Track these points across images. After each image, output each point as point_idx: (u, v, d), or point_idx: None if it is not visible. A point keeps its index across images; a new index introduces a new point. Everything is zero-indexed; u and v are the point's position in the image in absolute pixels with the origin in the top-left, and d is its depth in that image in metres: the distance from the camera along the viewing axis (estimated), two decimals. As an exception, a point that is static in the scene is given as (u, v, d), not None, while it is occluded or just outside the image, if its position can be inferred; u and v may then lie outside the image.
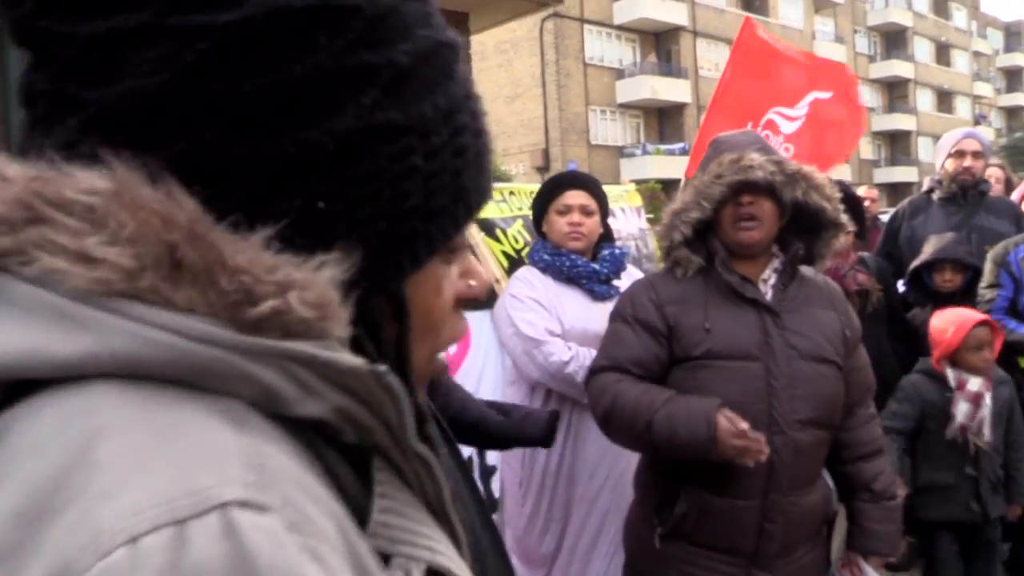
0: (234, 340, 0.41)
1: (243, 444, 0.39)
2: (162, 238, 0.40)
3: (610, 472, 2.53)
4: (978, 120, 52.19)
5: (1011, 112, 56.13)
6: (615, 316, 2.10)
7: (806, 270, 2.07)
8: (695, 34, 32.92)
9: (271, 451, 0.40)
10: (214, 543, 0.34)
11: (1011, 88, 57.74)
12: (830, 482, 2.12)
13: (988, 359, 2.96)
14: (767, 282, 2.00)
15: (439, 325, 0.59)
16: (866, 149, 44.37)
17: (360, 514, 0.46)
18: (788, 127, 4.60)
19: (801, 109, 4.63)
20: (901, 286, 3.80)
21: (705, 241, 2.00)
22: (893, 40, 46.92)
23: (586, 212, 2.58)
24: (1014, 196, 4.42)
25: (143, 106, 0.44)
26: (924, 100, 47.68)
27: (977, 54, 53.95)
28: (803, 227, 2.01)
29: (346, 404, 0.44)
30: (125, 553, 0.33)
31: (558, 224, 2.57)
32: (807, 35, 39.05)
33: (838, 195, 2.00)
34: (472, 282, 0.62)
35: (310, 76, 0.46)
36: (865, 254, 3.69)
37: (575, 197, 2.57)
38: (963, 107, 51.29)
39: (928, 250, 3.56)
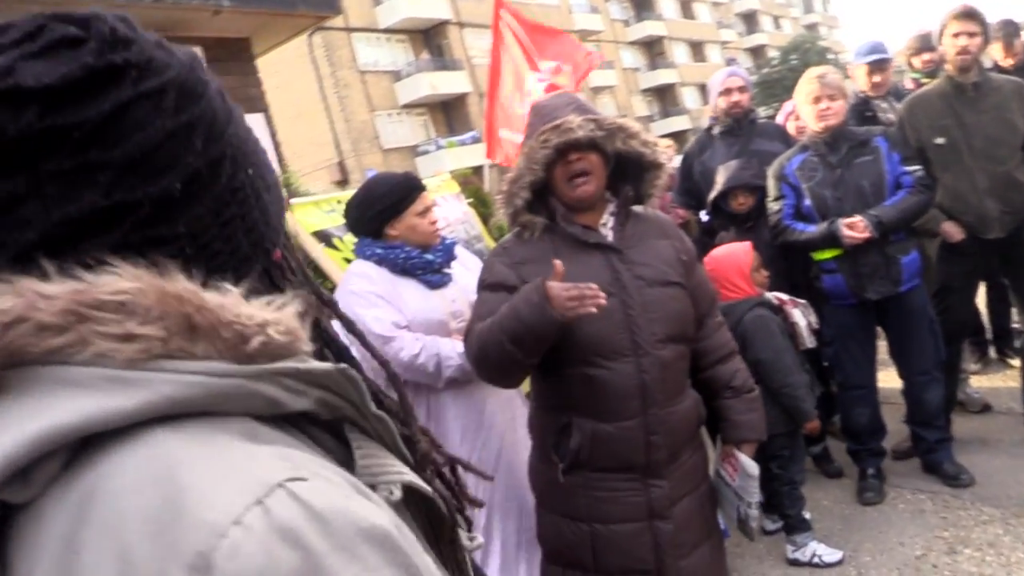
0: (242, 370, 0.55)
1: (266, 448, 0.53)
2: (180, 311, 0.54)
3: (475, 455, 2.59)
4: (729, 63, 56.57)
5: (755, 52, 61.34)
6: (478, 287, 2.21)
7: (637, 209, 2.25)
8: (461, 25, 33.46)
9: (282, 446, 0.55)
10: (287, 505, 0.48)
11: (750, 30, 63.07)
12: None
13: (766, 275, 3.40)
14: (606, 226, 2.17)
15: None
16: (640, 107, 47.05)
17: (345, 464, 0.62)
18: (539, 87, 4.99)
19: (545, 75, 5.03)
20: (704, 216, 4.12)
21: (545, 202, 2.15)
22: (642, 3, 49.95)
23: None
24: (779, 119, 4.96)
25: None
26: (680, 53, 51.13)
27: (716, 4, 58.50)
28: (628, 172, 2.19)
29: (323, 395, 0.61)
30: (238, 529, 0.46)
31: (422, 225, 2.66)
32: (564, 10, 40.75)
33: (653, 138, 2.20)
34: None
35: None
36: (668, 192, 4.04)
37: (426, 199, 2.70)
38: (714, 54, 55.45)
39: (720, 180, 3.85)
